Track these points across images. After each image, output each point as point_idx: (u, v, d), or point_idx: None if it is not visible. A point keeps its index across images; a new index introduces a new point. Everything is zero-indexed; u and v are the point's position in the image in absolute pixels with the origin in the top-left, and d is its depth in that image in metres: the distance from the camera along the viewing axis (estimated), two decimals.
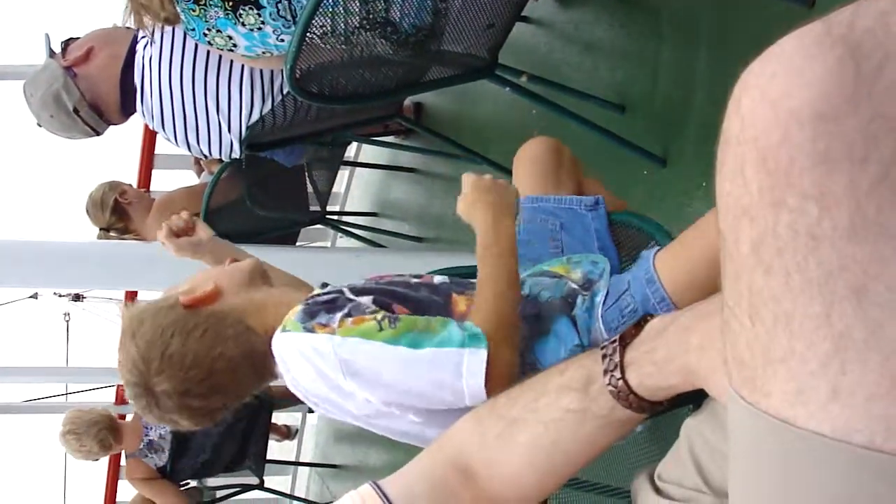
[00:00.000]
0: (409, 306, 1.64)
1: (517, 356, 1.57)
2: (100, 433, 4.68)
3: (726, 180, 0.65)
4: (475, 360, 1.47)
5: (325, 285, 1.78)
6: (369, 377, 1.51)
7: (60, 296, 20.96)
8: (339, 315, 1.52)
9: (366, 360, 1.49)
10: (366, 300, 1.60)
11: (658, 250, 1.70)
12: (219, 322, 1.62)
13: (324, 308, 1.56)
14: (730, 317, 0.69)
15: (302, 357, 1.53)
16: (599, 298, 1.70)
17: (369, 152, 5.81)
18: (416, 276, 1.81)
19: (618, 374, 1.02)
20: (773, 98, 0.61)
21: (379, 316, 1.52)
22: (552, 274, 1.84)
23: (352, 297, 1.61)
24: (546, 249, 2.01)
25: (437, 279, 1.81)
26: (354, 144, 5.53)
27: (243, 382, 1.66)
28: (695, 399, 1.06)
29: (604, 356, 1.05)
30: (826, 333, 0.62)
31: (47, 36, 3.13)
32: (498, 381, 1.47)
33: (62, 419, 4.77)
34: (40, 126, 3.17)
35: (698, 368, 0.94)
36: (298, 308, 1.57)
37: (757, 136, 0.62)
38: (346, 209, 5.99)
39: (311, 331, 1.51)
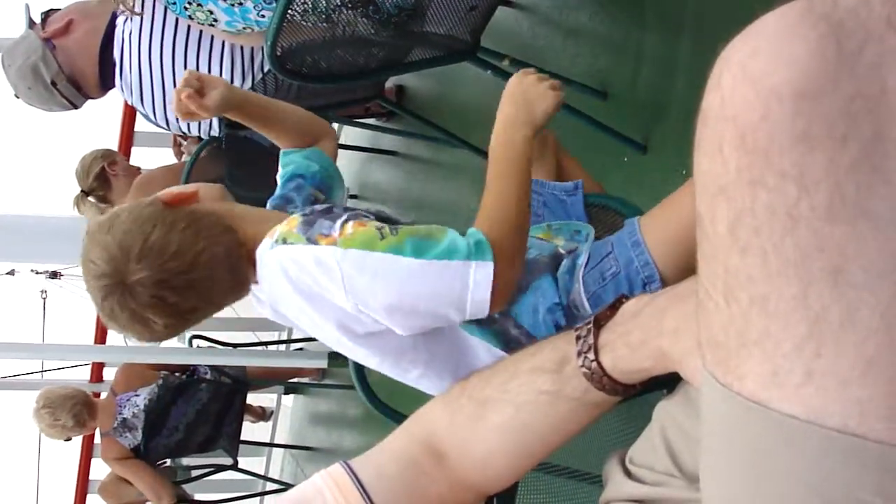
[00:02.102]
0: None
1: (521, 268, 1.54)
2: (74, 407, 4.67)
3: (704, 158, 0.65)
4: (482, 273, 1.44)
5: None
6: (371, 294, 1.48)
7: (37, 273, 20.90)
8: (339, 221, 1.50)
9: (369, 275, 1.46)
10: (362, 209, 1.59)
11: (642, 216, 1.71)
12: (200, 220, 1.58)
13: (322, 216, 1.53)
14: (705, 297, 0.68)
15: (302, 269, 1.51)
16: (581, 261, 1.71)
17: (350, 134, 5.79)
18: None
19: (591, 355, 1.02)
20: (753, 75, 0.60)
21: (378, 223, 1.49)
22: (536, 238, 1.85)
23: (349, 206, 1.59)
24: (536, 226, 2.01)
25: None
26: (335, 126, 5.51)
27: (219, 286, 1.60)
28: (669, 383, 1.06)
29: (577, 337, 1.05)
30: (802, 315, 0.61)
31: (27, 6, 3.10)
32: (500, 296, 1.46)
33: (36, 396, 4.75)
34: (17, 97, 3.14)
35: (672, 351, 0.94)
36: (297, 220, 1.54)
37: (736, 114, 0.61)
38: None
39: (315, 242, 1.49)
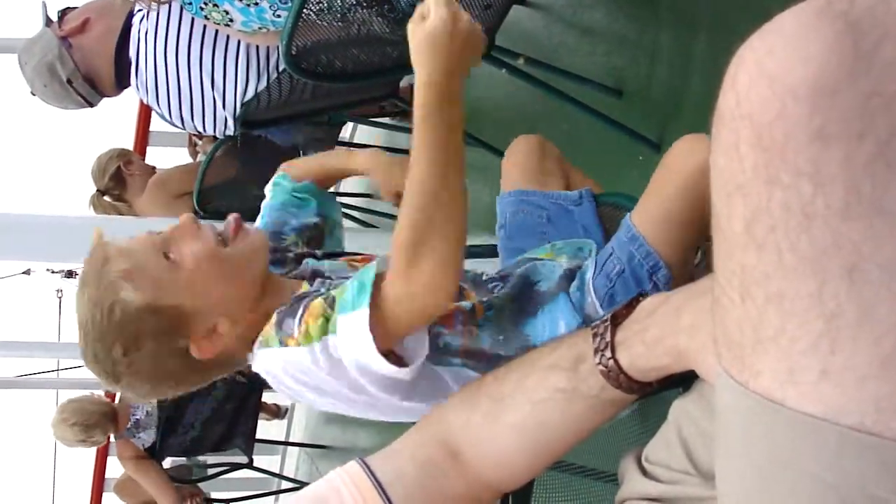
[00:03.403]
0: None
1: (446, 260, 1.30)
2: (108, 425, 4.70)
3: (720, 156, 0.65)
4: (357, 323, 1.29)
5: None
6: (329, 381, 1.43)
7: (53, 272, 20.94)
8: (297, 319, 1.40)
9: (326, 363, 1.39)
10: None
11: (632, 212, 1.71)
12: (211, 369, 1.58)
13: (289, 315, 1.44)
14: (720, 295, 0.68)
15: (284, 371, 1.47)
16: (589, 276, 1.70)
17: (365, 133, 5.80)
18: None
19: (608, 353, 1.02)
20: (770, 73, 0.60)
21: (321, 306, 1.37)
22: (541, 260, 1.83)
23: (321, 291, 1.51)
24: (533, 242, 2.00)
25: None
26: (350, 125, 5.51)
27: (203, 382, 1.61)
28: (685, 381, 1.06)
29: (594, 335, 1.05)
30: (818, 313, 0.61)
31: (44, 4, 3.11)
32: (396, 322, 1.31)
33: (59, 408, 4.75)
34: (34, 94, 3.15)
35: (688, 349, 0.94)
36: (273, 319, 1.47)
37: (752, 112, 0.61)
38: (340, 190, 5.98)
39: (284, 344, 1.42)
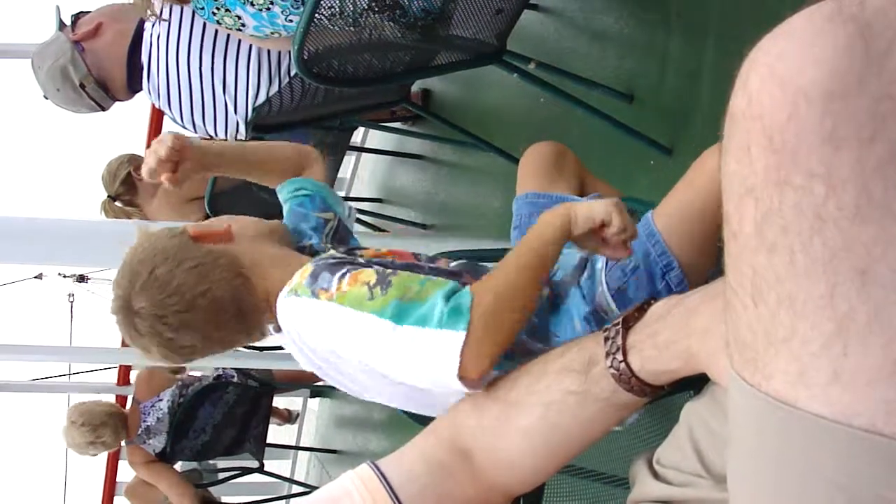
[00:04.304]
0: None
1: (507, 344, 1.38)
2: (117, 426, 4.71)
3: (731, 158, 0.65)
4: (448, 343, 1.32)
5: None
6: (359, 351, 1.46)
7: (65, 276, 21.01)
8: (337, 276, 1.46)
9: (356, 334, 1.42)
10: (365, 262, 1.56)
11: (654, 209, 1.72)
12: (213, 261, 1.59)
13: (328, 269, 1.49)
14: (732, 297, 0.68)
15: (306, 320, 1.50)
16: (600, 265, 1.71)
17: (376, 138, 5.80)
18: (430, 261, 1.76)
19: (620, 356, 1.02)
20: (781, 75, 0.60)
21: (372, 280, 1.43)
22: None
23: (359, 259, 1.58)
24: None
25: (453, 264, 1.76)
26: (361, 130, 5.52)
27: (222, 329, 1.60)
28: (696, 384, 1.06)
29: (606, 338, 1.05)
30: (829, 315, 0.61)
31: (58, 8, 3.12)
32: (474, 366, 1.32)
33: (68, 412, 4.76)
34: (46, 98, 3.16)
35: (700, 352, 0.94)
36: (309, 269, 1.52)
37: (763, 114, 0.61)
38: (352, 195, 5.99)
39: (316, 296, 1.46)
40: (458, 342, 1.31)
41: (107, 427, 4.66)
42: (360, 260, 1.59)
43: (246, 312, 1.60)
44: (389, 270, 1.46)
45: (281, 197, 1.95)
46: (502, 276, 1.42)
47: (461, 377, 1.31)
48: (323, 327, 1.48)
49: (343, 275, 1.46)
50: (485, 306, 1.35)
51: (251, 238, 1.68)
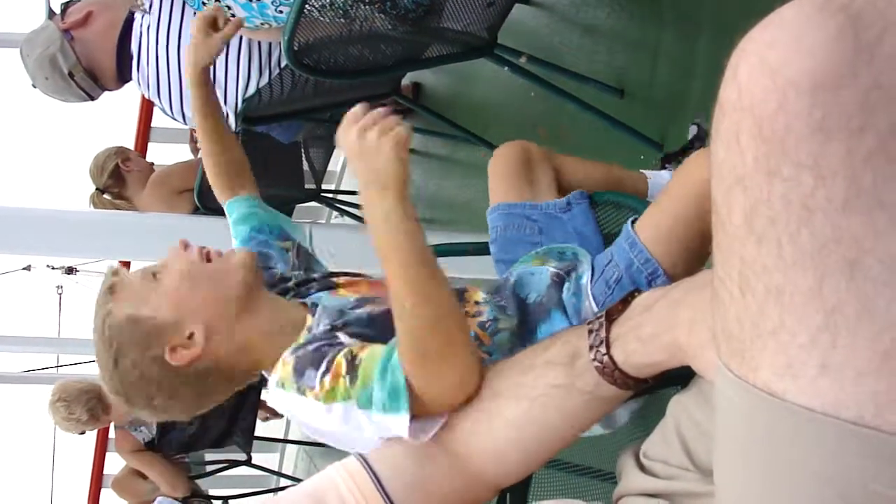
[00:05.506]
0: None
1: (468, 362, 1.25)
2: (89, 402, 4.68)
3: (721, 148, 0.65)
4: (397, 425, 1.24)
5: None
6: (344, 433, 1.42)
7: (53, 268, 20.98)
8: (319, 374, 1.39)
9: (341, 422, 1.37)
10: (346, 339, 1.48)
11: (636, 218, 1.70)
12: (205, 381, 1.55)
13: (310, 364, 1.43)
14: (720, 288, 0.68)
15: (297, 410, 1.46)
16: (585, 280, 1.70)
17: None
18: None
19: (603, 349, 1.02)
20: (771, 66, 0.60)
21: (343, 370, 1.36)
22: (530, 270, 1.82)
23: (338, 339, 1.49)
24: (526, 254, 1.98)
25: None
26: None
27: (214, 395, 1.61)
28: (682, 379, 1.06)
29: (590, 332, 1.05)
30: (817, 307, 0.61)
31: None
32: (439, 407, 1.25)
33: (51, 389, 4.77)
34: (35, 87, 3.15)
35: (686, 344, 0.94)
36: (290, 362, 1.47)
37: (753, 104, 0.61)
38: (342, 188, 5.97)
39: (303, 393, 1.42)
40: (402, 421, 1.24)
41: (79, 403, 4.64)
42: (338, 336, 1.51)
43: (237, 379, 1.61)
44: (356, 359, 1.37)
45: (233, 217, 1.96)
46: (403, 327, 1.27)
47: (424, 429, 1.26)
48: (313, 419, 1.44)
49: (324, 372, 1.39)
50: (414, 369, 1.25)
51: (227, 328, 1.56)
